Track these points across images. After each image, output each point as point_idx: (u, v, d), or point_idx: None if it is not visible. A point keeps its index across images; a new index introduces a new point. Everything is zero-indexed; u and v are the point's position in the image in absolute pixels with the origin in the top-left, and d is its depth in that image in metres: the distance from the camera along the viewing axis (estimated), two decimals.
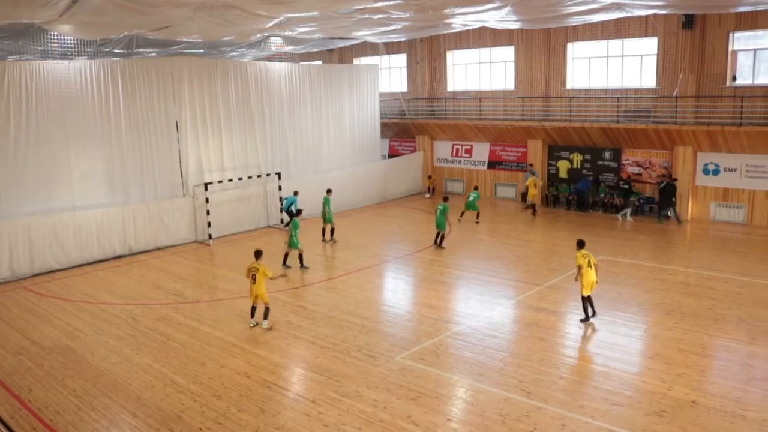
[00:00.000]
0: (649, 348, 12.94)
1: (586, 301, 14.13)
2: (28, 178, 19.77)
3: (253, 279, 14.24)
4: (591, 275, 13.97)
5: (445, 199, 21.44)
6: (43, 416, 10.77)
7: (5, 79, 19.16)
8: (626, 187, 25.28)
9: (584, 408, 10.38)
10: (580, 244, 14.44)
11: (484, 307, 15.59)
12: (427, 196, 31.51)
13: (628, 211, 24.86)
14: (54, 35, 22.34)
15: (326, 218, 22.59)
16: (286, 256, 19.56)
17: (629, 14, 22.06)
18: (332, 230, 22.84)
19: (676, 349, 12.66)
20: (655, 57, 25.21)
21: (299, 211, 20.73)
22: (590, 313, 14.21)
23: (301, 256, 19.39)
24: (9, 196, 19.44)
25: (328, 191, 23.25)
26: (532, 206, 26.74)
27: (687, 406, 10.37)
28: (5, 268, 18.87)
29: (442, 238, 21.03)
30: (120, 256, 21.26)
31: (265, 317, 14.47)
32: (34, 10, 16.22)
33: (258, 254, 14.73)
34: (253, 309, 14.66)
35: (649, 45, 25.39)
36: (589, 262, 13.98)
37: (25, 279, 19.10)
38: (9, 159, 19.37)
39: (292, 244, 19.08)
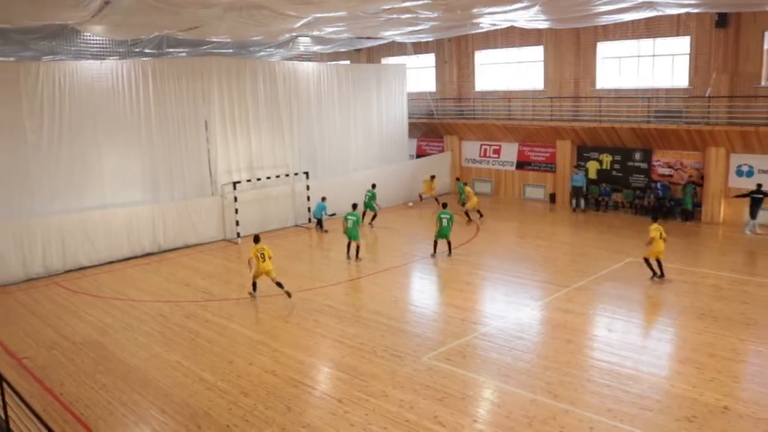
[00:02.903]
0: (679, 352, 12.76)
1: (648, 262, 17.14)
2: (60, 176, 20.15)
3: (262, 257, 16.09)
4: (660, 245, 16.81)
5: (445, 206, 20.75)
6: (74, 410, 10.96)
7: (39, 79, 19.54)
8: (759, 196, 21.75)
9: (612, 411, 10.26)
10: (655, 218, 17.76)
11: (510, 309, 15.49)
12: (410, 204, 29.47)
13: (756, 221, 22.07)
14: (86, 36, 22.66)
15: (371, 208, 25.10)
16: (357, 249, 20.20)
17: (661, 13, 21.76)
18: (373, 216, 25.32)
19: (707, 353, 12.45)
20: (688, 56, 24.81)
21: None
22: (657, 273, 17.08)
23: (358, 248, 20.18)
24: (42, 193, 19.81)
25: (373, 186, 25.49)
26: (472, 212, 25.57)
27: (718, 412, 10.19)
28: (38, 265, 19.23)
29: (449, 246, 20.16)
30: (149, 254, 21.51)
31: (281, 286, 16.28)
32: (68, 11, 16.51)
33: (257, 239, 16.85)
34: (255, 284, 16.56)
35: (682, 44, 24.99)
36: (660, 234, 16.75)
37: (57, 275, 19.43)
38: (42, 157, 19.74)
39: (353, 236, 20.02)
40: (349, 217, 20.17)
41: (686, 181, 24.86)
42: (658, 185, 25.30)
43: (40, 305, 16.76)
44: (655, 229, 16.84)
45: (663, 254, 17.03)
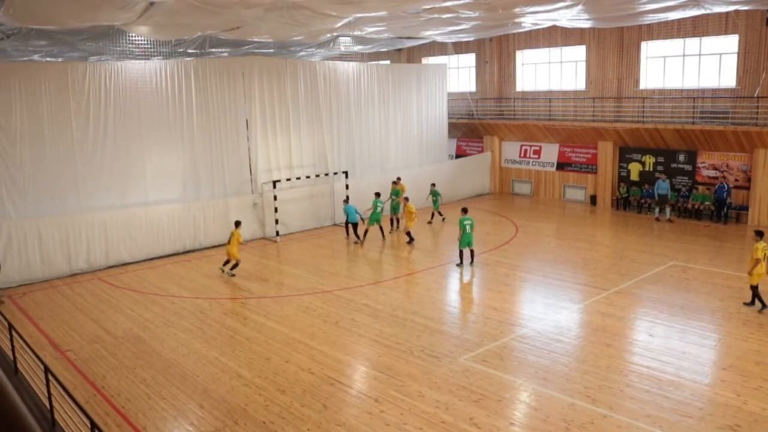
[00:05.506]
0: (722, 358, 12.44)
1: (756, 288, 14.78)
2: (104, 173, 20.60)
3: (230, 240, 18.90)
4: (763, 267, 14.58)
5: (465, 211, 19.64)
6: (115, 402, 11.19)
7: (86, 79, 20.01)
8: None
9: (652, 418, 10.06)
10: (760, 235, 14.90)
11: (549, 311, 15.31)
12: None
13: None
14: (132, 36, 23.13)
15: (436, 205, 26.06)
16: (366, 231, 22.50)
17: (708, 11, 21.25)
18: (440, 213, 26.04)
19: (753, 361, 12.12)
20: (736, 55, 24.19)
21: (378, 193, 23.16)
22: (760, 304, 14.74)
23: (366, 232, 22.53)
24: (87, 190, 20.28)
25: (433, 185, 26.49)
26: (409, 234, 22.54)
27: (764, 421, 9.90)
28: (82, 260, 19.69)
29: (472, 254, 19.42)
30: (190, 251, 21.85)
31: (232, 268, 18.91)
32: (114, 12, 16.84)
33: (237, 224, 19.27)
34: (227, 262, 19.04)
35: (730, 43, 24.37)
36: (765, 255, 14.59)
37: (101, 270, 19.85)
38: (87, 155, 20.21)
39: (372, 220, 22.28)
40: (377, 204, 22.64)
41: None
42: (717, 186, 24.22)
43: (83, 299, 17.16)
44: (762, 249, 14.62)
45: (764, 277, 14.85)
